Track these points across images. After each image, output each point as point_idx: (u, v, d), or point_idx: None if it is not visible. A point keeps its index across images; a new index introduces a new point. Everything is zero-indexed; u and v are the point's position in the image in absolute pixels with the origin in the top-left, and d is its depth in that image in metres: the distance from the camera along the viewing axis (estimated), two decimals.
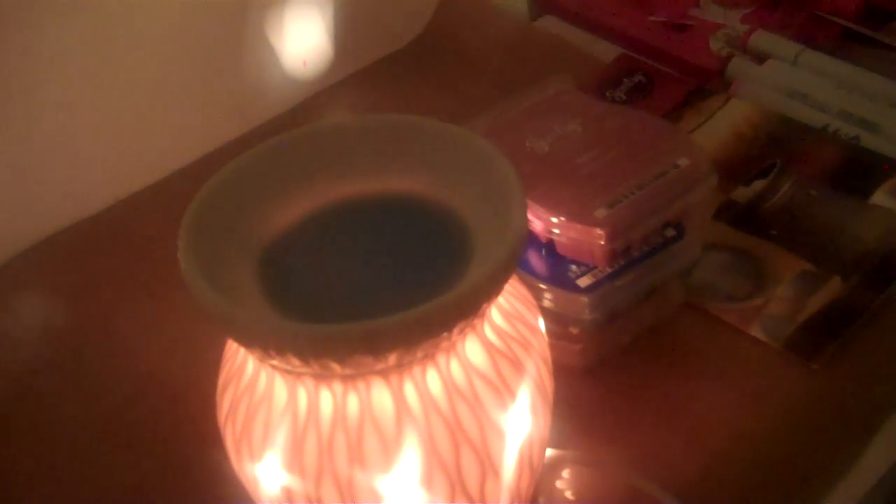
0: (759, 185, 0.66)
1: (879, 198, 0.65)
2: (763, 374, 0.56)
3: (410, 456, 0.36)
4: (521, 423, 0.38)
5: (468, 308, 0.34)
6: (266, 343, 0.33)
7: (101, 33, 0.66)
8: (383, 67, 0.83)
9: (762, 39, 0.79)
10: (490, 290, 0.35)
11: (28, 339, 0.63)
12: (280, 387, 0.37)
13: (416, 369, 0.36)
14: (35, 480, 0.54)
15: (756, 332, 0.57)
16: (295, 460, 0.36)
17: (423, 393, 0.36)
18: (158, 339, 0.61)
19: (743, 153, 0.69)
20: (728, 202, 0.65)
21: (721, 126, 0.72)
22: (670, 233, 0.54)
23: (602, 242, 0.50)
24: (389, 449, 0.36)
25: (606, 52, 0.82)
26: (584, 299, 0.52)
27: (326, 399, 0.36)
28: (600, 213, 0.50)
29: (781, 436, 0.52)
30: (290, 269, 0.38)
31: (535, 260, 0.53)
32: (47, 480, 0.54)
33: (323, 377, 0.35)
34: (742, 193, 0.66)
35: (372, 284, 0.38)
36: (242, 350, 0.38)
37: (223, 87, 0.74)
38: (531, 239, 0.53)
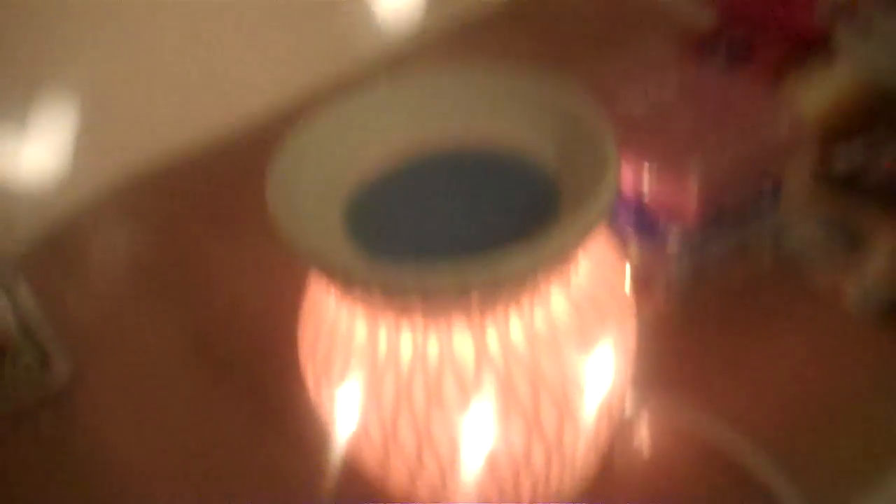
0: (860, 152, 0.65)
1: None
2: (852, 344, 0.54)
3: (488, 398, 0.36)
4: (601, 374, 0.38)
5: (555, 256, 0.34)
6: (348, 274, 0.34)
7: None
8: (479, 24, 0.82)
9: (871, 4, 0.77)
10: (578, 240, 0.35)
11: (119, 270, 0.65)
12: (360, 327, 0.37)
13: (500, 315, 0.36)
14: (121, 403, 0.56)
15: (848, 300, 0.56)
16: (372, 397, 0.37)
17: (504, 340, 0.36)
18: (245, 273, 0.62)
19: (846, 119, 0.67)
20: (828, 168, 0.64)
21: (824, 92, 0.70)
22: (765, 196, 0.53)
23: (694, 201, 0.50)
24: (468, 392, 0.36)
25: (708, 15, 0.80)
26: (673, 256, 0.51)
27: (406, 341, 0.36)
28: (694, 171, 0.50)
29: (865, 407, 0.51)
30: (377, 211, 0.39)
31: (625, 215, 0.52)
32: (133, 404, 0.56)
33: (404, 314, 0.35)
34: (843, 160, 0.64)
35: (459, 231, 0.38)
36: (325, 289, 0.38)
37: (318, 31, 0.75)
38: (622, 194, 0.52)
